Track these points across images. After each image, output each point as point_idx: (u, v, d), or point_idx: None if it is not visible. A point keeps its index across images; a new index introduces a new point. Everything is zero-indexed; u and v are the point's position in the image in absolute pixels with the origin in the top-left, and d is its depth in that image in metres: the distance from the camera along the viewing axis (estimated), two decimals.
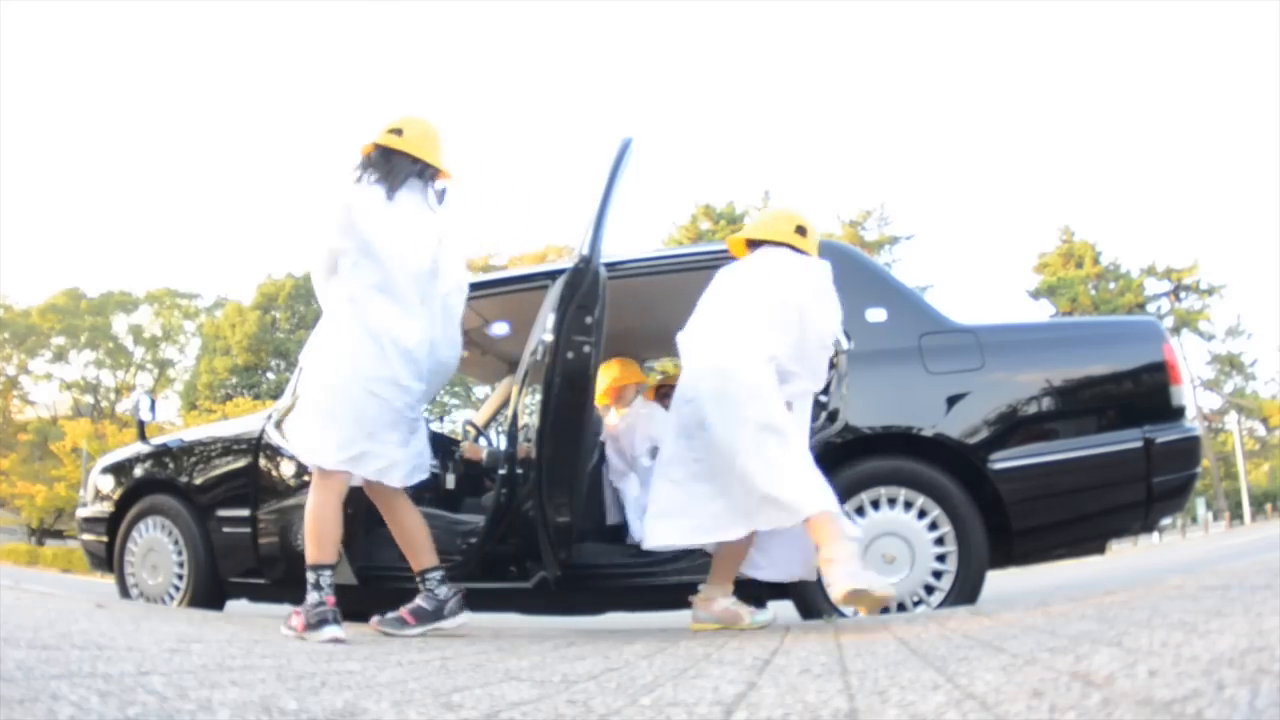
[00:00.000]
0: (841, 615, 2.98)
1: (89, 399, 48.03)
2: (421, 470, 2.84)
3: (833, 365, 3.25)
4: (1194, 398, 38.22)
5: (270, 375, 41.67)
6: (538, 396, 3.07)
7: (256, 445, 3.84)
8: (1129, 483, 3.10)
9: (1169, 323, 37.78)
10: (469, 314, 4.24)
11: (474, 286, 4.13)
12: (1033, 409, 3.17)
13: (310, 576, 2.59)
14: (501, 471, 3.25)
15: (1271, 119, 59.07)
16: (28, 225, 71.67)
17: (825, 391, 3.25)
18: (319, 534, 2.63)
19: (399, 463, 2.73)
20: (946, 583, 2.99)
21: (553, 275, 3.44)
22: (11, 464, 38.30)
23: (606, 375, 4.13)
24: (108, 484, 4.26)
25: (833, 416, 3.17)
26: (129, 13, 75.39)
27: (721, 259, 3.60)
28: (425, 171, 2.87)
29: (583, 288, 3.04)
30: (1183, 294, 39.78)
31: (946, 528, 3.00)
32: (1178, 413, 3.19)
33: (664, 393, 4.48)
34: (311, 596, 2.56)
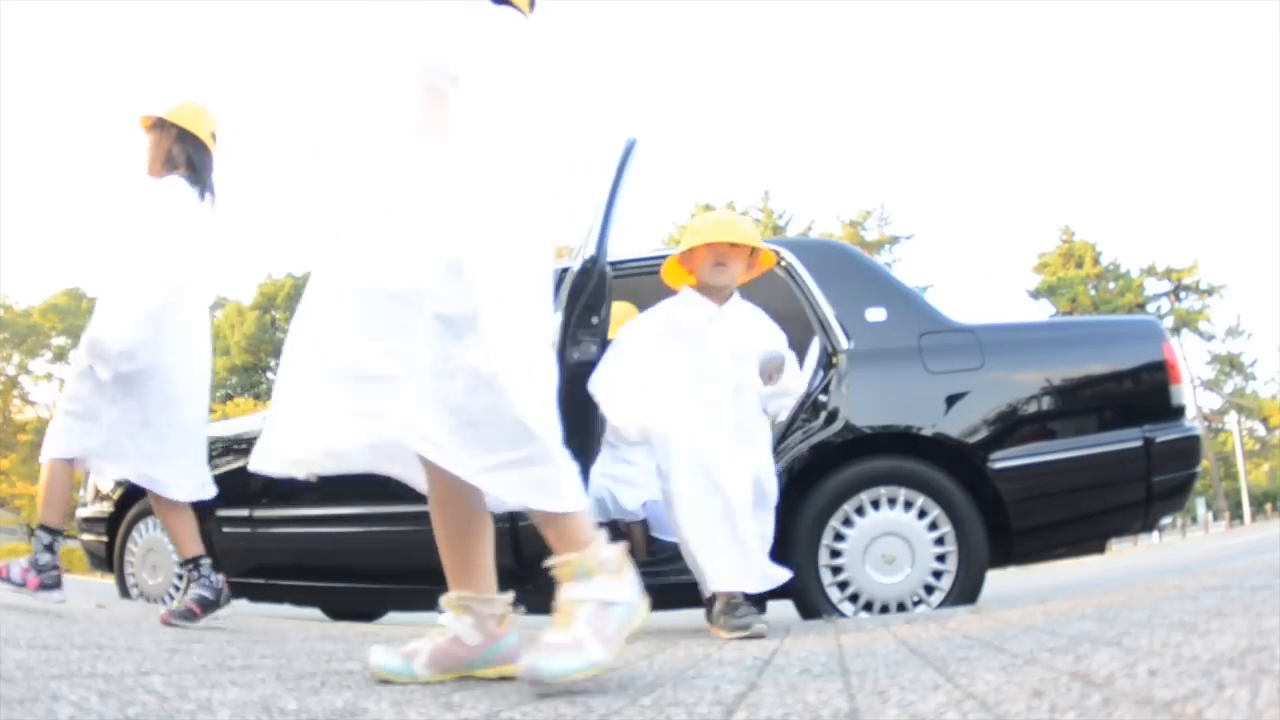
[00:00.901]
0: (842, 615, 2.98)
1: None
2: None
3: (832, 365, 3.25)
4: (1194, 397, 38.26)
5: (270, 375, 41.66)
6: None
7: (256, 445, 3.84)
8: (1129, 482, 3.11)
9: (1169, 323, 37.80)
10: None
11: None
12: (1032, 408, 3.17)
13: (45, 538, 2.68)
14: None
15: (1271, 119, 59.10)
16: (28, 225, 71.73)
17: (825, 391, 3.26)
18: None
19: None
20: (946, 583, 2.99)
21: (554, 275, 3.44)
22: (11, 464, 38.29)
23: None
24: (108, 484, 4.26)
25: (833, 416, 3.17)
26: (129, 13, 75.49)
27: None
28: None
29: (589, 287, 3.04)
30: (1183, 294, 39.80)
31: (946, 527, 3.00)
32: (1177, 412, 3.19)
33: None
34: (44, 557, 2.66)
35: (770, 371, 2.62)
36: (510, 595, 1.55)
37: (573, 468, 1.43)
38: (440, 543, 1.52)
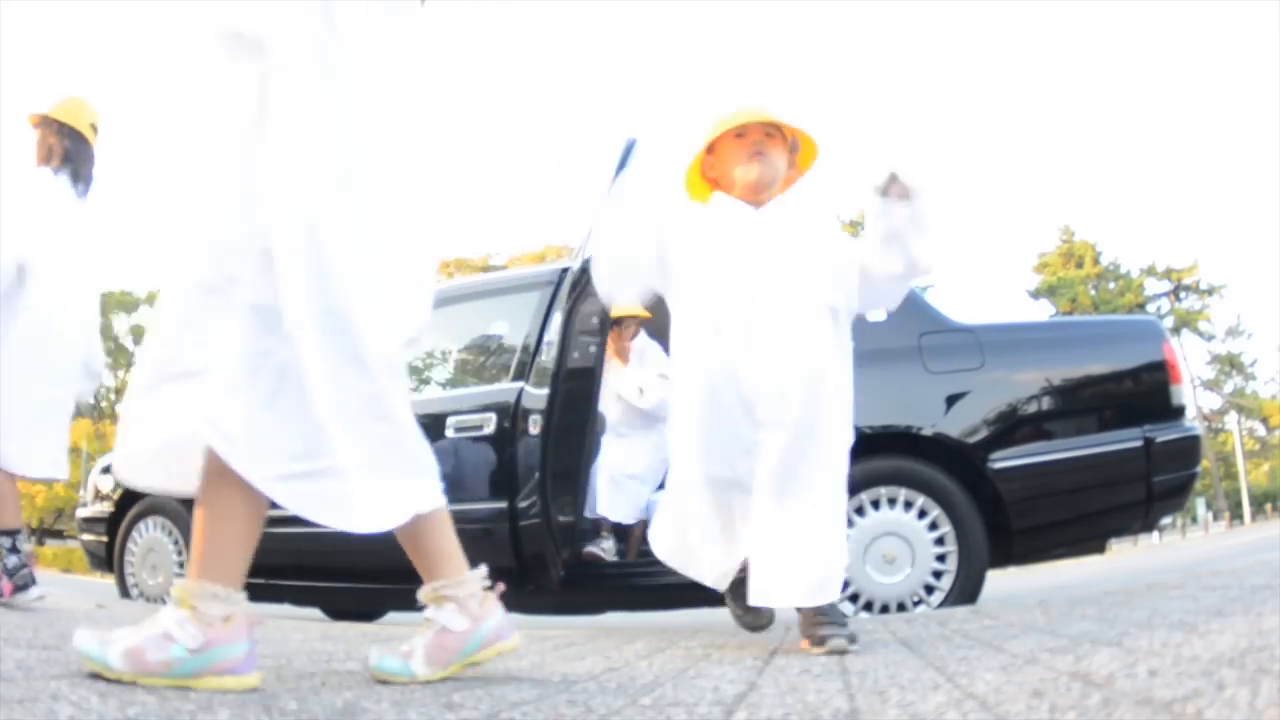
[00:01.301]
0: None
1: (89, 399, 47.94)
2: None
3: None
4: (1194, 397, 38.27)
5: None
6: (544, 390, 3.06)
7: None
8: (1129, 482, 3.10)
9: (1169, 323, 37.80)
10: (471, 315, 4.25)
11: (473, 287, 4.16)
12: (1033, 408, 3.17)
13: (5, 542, 2.75)
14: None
15: (1271, 119, 59.11)
16: None
17: None
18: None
19: None
20: (946, 583, 2.99)
21: (554, 275, 3.44)
22: None
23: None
24: (108, 484, 4.26)
25: None
26: (128, 12, 75.47)
27: None
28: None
29: (588, 288, 3.04)
30: (1183, 294, 39.82)
31: (946, 527, 3.00)
32: (1178, 412, 3.19)
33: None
34: (11, 560, 2.74)
35: (895, 180, 1.86)
36: (483, 570, 1.50)
37: (379, 486, 1.34)
38: (398, 538, 1.48)
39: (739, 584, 2.00)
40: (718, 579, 2.01)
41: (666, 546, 2.07)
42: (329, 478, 1.31)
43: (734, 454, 1.89)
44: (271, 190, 1.32)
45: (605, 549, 3.59)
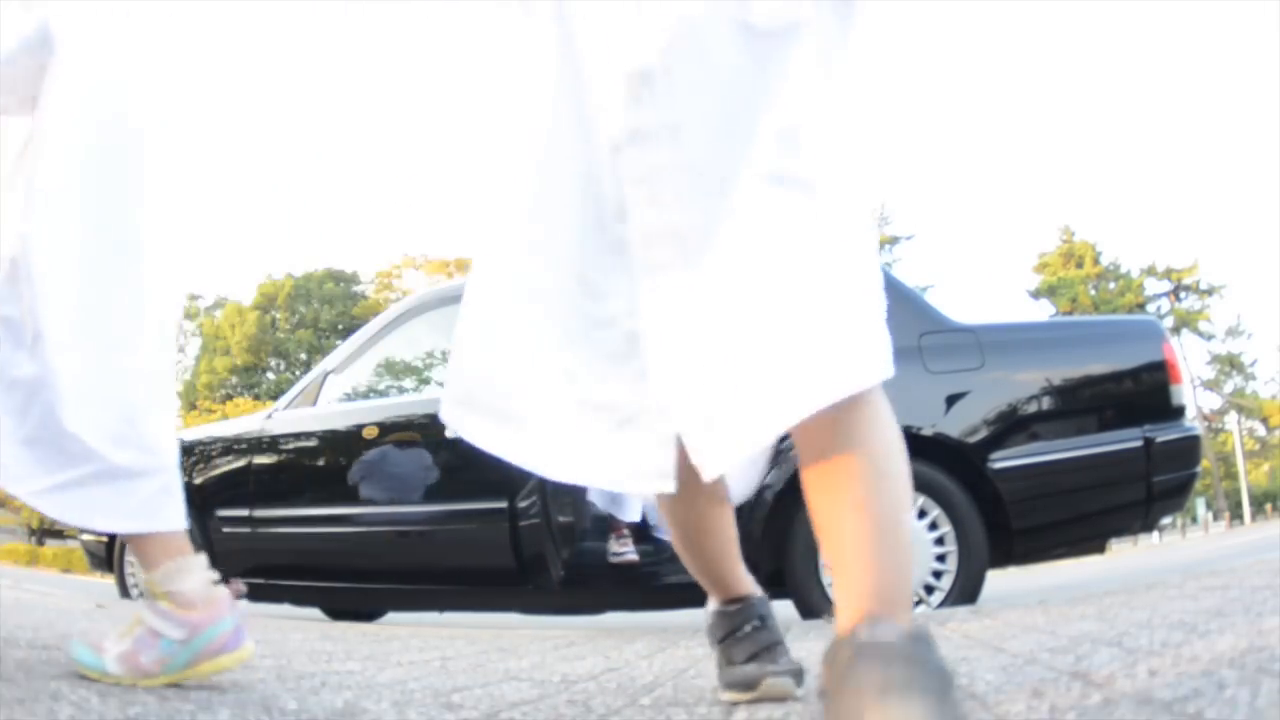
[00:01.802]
0: None
1: None
2: None
3: None
4: (1194, 397, 38.29)
5: (270, 375, 41.68)
6: None
7: (255, 445, 3.85)
8: (1129, 482, 3.11)
9: (1169, 323, 37.82)
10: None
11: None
12: (1033, 408, 3.17)
13: None
14: None
15: (1271, 119, 59.10)
16: None
17: None
18: None
19: None
20: (946, 583, 2.99)
21: None
22: None
23: None
24: None
25: None
26: None
27: None
28: None
29: None
30: (1183, 294, 39.84)
31: (946, 528, 3.00)
32: (1177, 412, 3.19)
33: None
34: None
35: None
36: (203, 559, 1.30)
37: (151, 484, 1.28)
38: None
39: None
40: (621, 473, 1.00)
41: (464, 394, 1.07)
42: (98, 484, 1.26)
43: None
44: (28, 197, 1.28)
45: (628, 547, 3.57)
